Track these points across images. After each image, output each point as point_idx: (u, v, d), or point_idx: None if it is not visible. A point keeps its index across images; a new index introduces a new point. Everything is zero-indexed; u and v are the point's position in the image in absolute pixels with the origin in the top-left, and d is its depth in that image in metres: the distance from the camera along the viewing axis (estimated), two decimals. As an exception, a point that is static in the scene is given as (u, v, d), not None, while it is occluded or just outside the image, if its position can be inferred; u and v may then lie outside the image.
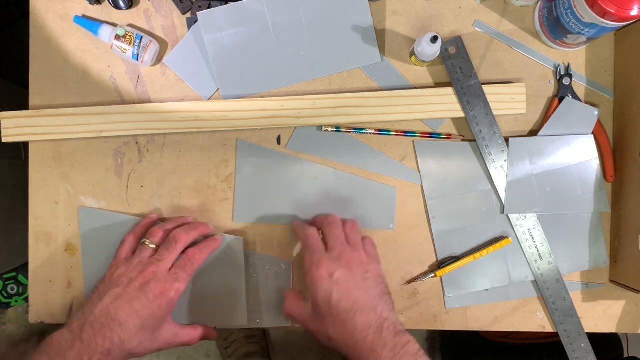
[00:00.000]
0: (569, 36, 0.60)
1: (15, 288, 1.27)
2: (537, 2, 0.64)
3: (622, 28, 0.59)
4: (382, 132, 0.64)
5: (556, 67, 0.65)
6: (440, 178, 0.64)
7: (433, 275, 0.63)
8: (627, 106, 0.63)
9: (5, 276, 1.26)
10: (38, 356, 0.49)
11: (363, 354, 0.50)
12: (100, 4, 0.64)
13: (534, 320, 0.65)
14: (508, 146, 0.63)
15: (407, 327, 0.64)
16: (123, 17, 0.64)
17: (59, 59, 0.64)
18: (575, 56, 0.65)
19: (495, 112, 0.63)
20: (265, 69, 0.63)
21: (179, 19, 0.64)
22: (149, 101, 0.64)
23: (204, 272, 0.60)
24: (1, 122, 0.62)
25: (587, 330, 0.64)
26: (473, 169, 0.64)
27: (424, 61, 0.61)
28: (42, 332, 1.29)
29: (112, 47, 0.61)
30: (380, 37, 0.64)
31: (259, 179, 0.64)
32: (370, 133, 0.64)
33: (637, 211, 0.60)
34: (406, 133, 0.64)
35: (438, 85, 0.64)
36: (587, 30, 0.57)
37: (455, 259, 0.64)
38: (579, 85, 0.65)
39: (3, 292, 1.27)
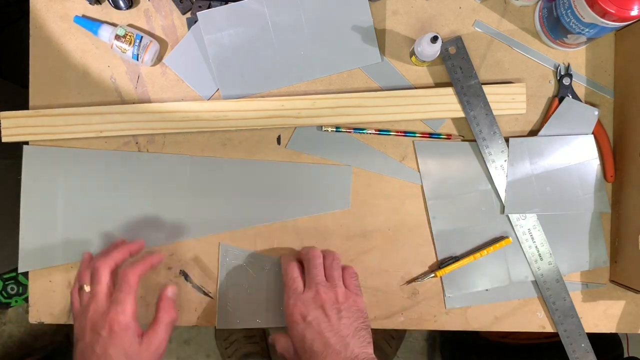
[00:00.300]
0: (569, 36, 0.60)
1: (15, 288, 1.27)
2: (537, 2, 0.64)
3: (622, 28, 0.59)
4: (382, 132, 0.64)
5: (556, 67, 0.65)
6: (440, 178, 0.64)
7: (433, 275, 0.63)
8: (627, 106, 0.63)
9: (5, 276, 1.26)
10: None
11: None
12: (100, 4, 0.64)
13: (534, 320, 0.65)
14: (508, 146, 0.63)
15: (407, 327, 0.64)
16: (123, 17, 0.64)
17: (59, 59, 0.64)
18: (575, 56, 0.65)
19: (495, 112, 0.63)
20: (265, 69, 0.63)
21: (179, 19, 0.64)
22: (149, 101, 0.64)
23: None
24: (1, 122, 0.62)
25: (587, 330, 0.64)
26: (473, 169, 0.64)
27: (424, 61, 0.61)
28: (43, 332, 1.29)
29: (112, 47, 0.61)
30: (380, 37, 0.64)
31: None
32: (370, 133, 0.64)
33: (637, 211, 0.60)
34: (406, 133, 0.64)
35: (438, 85, 0.64)
36: (587, 30, 0.57)
37: (455, 259, 0.64)
38: (579, 85, 0.65)
39: (3, 292, 1.27)
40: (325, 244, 0.64)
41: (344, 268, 0.61)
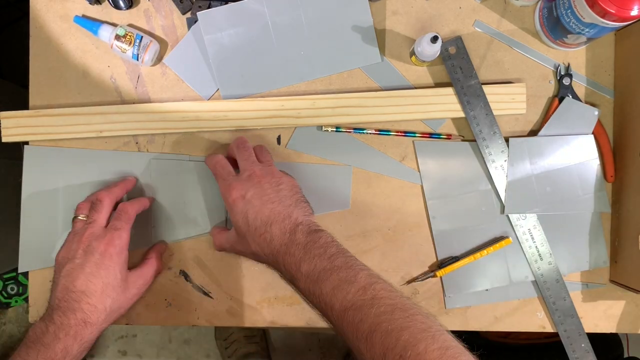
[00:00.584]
0: (569, 36, 0.60)
1: (15, 288, 1.27)
2: (537, 2, 0.64)
3: (622, 28, 0.59)
4: (382, 132, 0.64)
5: (556, 67, 0.65)
6: (440, 178, 0.64)
7: (433, 275, 0.63)
8: (627, 106, 0.63)
9: (5, 276, 1.26)
10: (18, 350, 0.51)
11: (279, 257, 0.52)
12: (100, 4, 0.64)
13: (534, 320, 0.65)
14: (508, 146, 0.63)
15: (407, 327, 0.64)
16: (123, 17, 0.64)
17: (59, 59, 0.64)
18: (575, 56, 0.65)
19: (495, 112, 0.63)
20: (265, 69, 0.63)
21: (179, 19, 0.64)
22: (149, 101, 0.64)
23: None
24: (1, 122, 0.62)
25: (587, 330, 0.64)
26: (473, 169, 0.64)
27: (424, 61, 0.61)
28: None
29: (112, 47, 0.61)
30: (380, 37, 0.64)
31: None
32: (370, 133, 0.64)
33: (637, 211, 0.60)
34: (406, 133, 0.64)
35: (438, 85, 0.64)
36: (587, 30, 0.57)
37: (455, 259, 0.64)
38: (579, 85, 0.65)
39: (3, 292, 1.27)
40: (325, 244, 0.64)
41: (261, 149, 0.61)
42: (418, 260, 0.65)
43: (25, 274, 0.67)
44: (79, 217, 0.58)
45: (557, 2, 0.58)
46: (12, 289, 1.27)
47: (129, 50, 0.60)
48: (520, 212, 0.64)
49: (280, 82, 0.64)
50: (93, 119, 0.62)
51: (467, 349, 0.44)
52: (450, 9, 0.64)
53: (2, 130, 0.62)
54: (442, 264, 0.64)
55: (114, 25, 0.62)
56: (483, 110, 0.62)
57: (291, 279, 0.52)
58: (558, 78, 0.64)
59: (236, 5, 0.62)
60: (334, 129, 0.63)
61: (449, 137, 0.64)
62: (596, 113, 0.64)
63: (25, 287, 1.27)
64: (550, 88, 0.65)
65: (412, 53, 0.62)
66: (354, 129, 0.64)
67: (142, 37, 0.61)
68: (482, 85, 0.62)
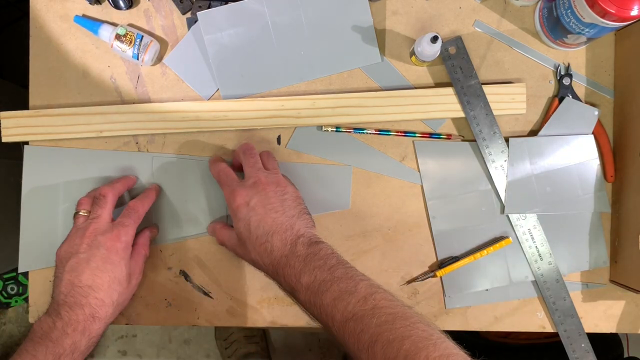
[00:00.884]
0: (569, 36, 0.60)
1: (15, 288, 1.27)
2: (537, 2, 0.64)
3: (622, 28, 0.59)
4: (382, 132, 0.64)
5: (556, 67, 0.65)
6: (440, 178, 0.64)
7: (433, 275, 0.63)
8: (627, 106, 0.63)
9: (5, 276, 1.26)
10: (24, 345, 0.50)
11: (279, 268, 0.52)
12: (100, 4, 0.64)
13: (534, 320, 0.65)
14: (508, 146, 0.63)
15: (407, 327, 0.64)
16: (123, 17, 0.64)
17: (59, 59, 0.64)
18: (575, 56, 0.65)
19: (495, 112, 0.63)
20: (265, 69, 0.63)
21: (179, 19, 0.64)
22: (149, 101, 0.64)
23: None
24: (1, 122, 0.62)
25: (587, 330, 0.64)
26: (473, 169, 0.64)
27: (424, 61, 0.61)
28: (42, 332, 1.29)
29: (112, 47, 0.61)
30: (380, 37, 0.64)
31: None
32: (370, 133, 0.64)
33: (637, 211, 0.60)
34: (406, 133, 0.64)
35: (438, 85, 0.64)
36: (587, 30, 0.57)
37: (455, 259, 0.64)
38: (579, 85, 0.65)
39: (3, 292, 1.27)
40: (325, 244, 0.64)
41: (267, 155, 0.61)
42: (418, 260, 0.65)
43: (25, 274, 0.67)
44: (81, 213, 0.57)
45: (557, 2, 0.58)
46: (12, 289, 1.27)
47: (129, 50, 0.60)
48: (520, 212, 0.64)
49: (280, 82, 0.64)
50: (93, 119, 0.62)
51: (469, 355, 0.44)
52: (450, 9, 0.64)
53: (2, 130, 0.62)
54: (442, 264, 0.64)
55: (114, 25, 0.62)
56: (483, 110, 0.62)
57: (291, 291, 0.52)
58: (558, 78, 0.64)
59: (236, 5, 0.62)
60: (334, 129, 0.63)
61: (449, 137, 0.64)
62: (596, 113, 0.64)
63: (25, 287, 1.27)
64: (550, 88, 0.65)
65: (412, 53, 0.62)
66: (354, 129, 0.64)
67: (142, 36, 0.61)
68: (482, 85, 0.62)
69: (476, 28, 0.65)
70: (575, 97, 0.64)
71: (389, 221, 0.65)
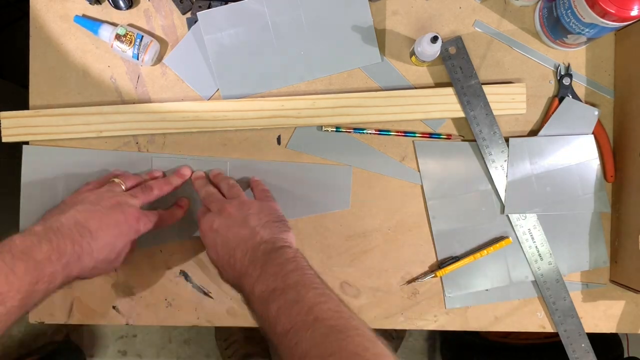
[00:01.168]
0: (569, 36, 0.60)
1: (15, 288, 1.27)
2: (537, 2, 0.64)
3: (622, 28, 0.59)
4: (382, 132, 0.64)
5: (556, 67, 0.65)
6: (440, 178, 0.64)
7: (433, 275, 0.63)
8: (627, 106, 0.63)
9: (5, 276, 1.26)
10: (1, 256, 0.45)
11: (241, 280, 0.50)
12: (100, 4, 0.64)
13: (534, 320, 0.65)
14: (508, 146, 0.63)
15: (407, 327, 0.64)
16: (123, 17, 0.64)
17: (59, 59, 0.64)
18: (575, 56, 0.65)
19: (495, 112, 0.63)
20: (265, 69, 0.63)
21: (179, 19, 0.64)
22: (149, 101, 0.64)
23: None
24: (1, 122, 0.62)
25: (587, 330, 0.64)
26: (473, 169, 0.64)
27: (424, 61, 0.61)
28: (43, 332, 1.29)
29: (112, 47, 0.61)
30: (380, 37, 0.64)
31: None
32: (370, 133, 0.64)
33: (637, 211, 0.60)
34: (406, 133, 0.64)
35: (438, 85, 0.64)
36: (587, 30, 0.57)
37: (455, 259, 0.64)
38: (579, 85, 0.65)
39: (3, 292, 1.26)
40: (325, 243, 0.64)
41: (253, 183, 0.61)
42: (418, 260, 0.65)
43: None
44: (118, 182, 0.57)
45: (557, 2, 0.58)
46: (12, 289, 1.27)
47: (129, 50, 0.60)
48: (520, 212, 0.64)
49: (280, 82, 0.64)
50: (93, 119, 0.62)
51: None
52: (450, 9, 0.64)
53: (2, 130, 0.62)
54: (442, 264, 0.64)
55: (114, 25, 0.62)
56: (483, 110, 0.62)
57: (247, 303, 0.50)
58: (558, 78, 0.64)
59: (236, 5, 0.62)
60: (334, 129, 0.63)
61: (449, 137, 0.64)
62: (596, 113, 0.64)
63: (25, 287, 1.27)
64: (550, 88, 0.65)
65: (412, 53, 0.62)
66: (354, 129, 0.64)
67: (142, 36, 0.61)
68: (482, 85, 0.62)
69: (476, 28, 0.65)
70: (575, 97, 0.64)
71: (389, 221, 0.65)
